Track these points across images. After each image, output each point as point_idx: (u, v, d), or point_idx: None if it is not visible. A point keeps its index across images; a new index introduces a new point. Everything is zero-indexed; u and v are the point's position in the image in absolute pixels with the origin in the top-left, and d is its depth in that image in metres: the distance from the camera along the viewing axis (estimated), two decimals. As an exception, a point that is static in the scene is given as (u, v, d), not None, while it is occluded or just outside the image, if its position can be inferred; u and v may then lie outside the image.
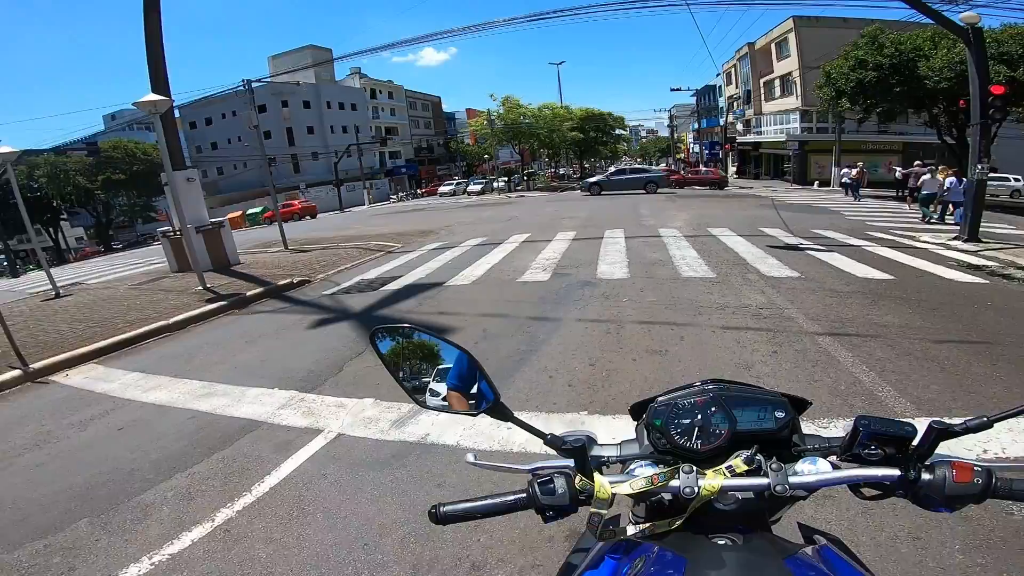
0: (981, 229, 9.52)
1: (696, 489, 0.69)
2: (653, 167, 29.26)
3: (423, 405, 0.85)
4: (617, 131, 59.24)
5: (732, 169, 43.61)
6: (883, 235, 10.27)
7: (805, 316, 4.96)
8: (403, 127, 60.89)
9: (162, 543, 2.41)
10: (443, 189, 44.78)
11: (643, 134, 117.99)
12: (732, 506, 0.71)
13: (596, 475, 0.73)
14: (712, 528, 0.70)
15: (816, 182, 31.31)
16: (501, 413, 0.80)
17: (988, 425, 0.66)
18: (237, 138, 44.78)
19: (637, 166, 30.97)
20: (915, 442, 0.69)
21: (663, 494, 0.73)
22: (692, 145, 59.19)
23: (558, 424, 3.14)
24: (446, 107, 71.93)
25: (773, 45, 37.85)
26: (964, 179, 15.74)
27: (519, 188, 40.72)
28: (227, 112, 45.21)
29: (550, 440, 0.77)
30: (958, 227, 12.23)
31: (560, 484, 0.74)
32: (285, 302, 7.61)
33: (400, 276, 8.30)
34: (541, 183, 45.23)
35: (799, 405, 0.84)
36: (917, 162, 18.18)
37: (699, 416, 0.77)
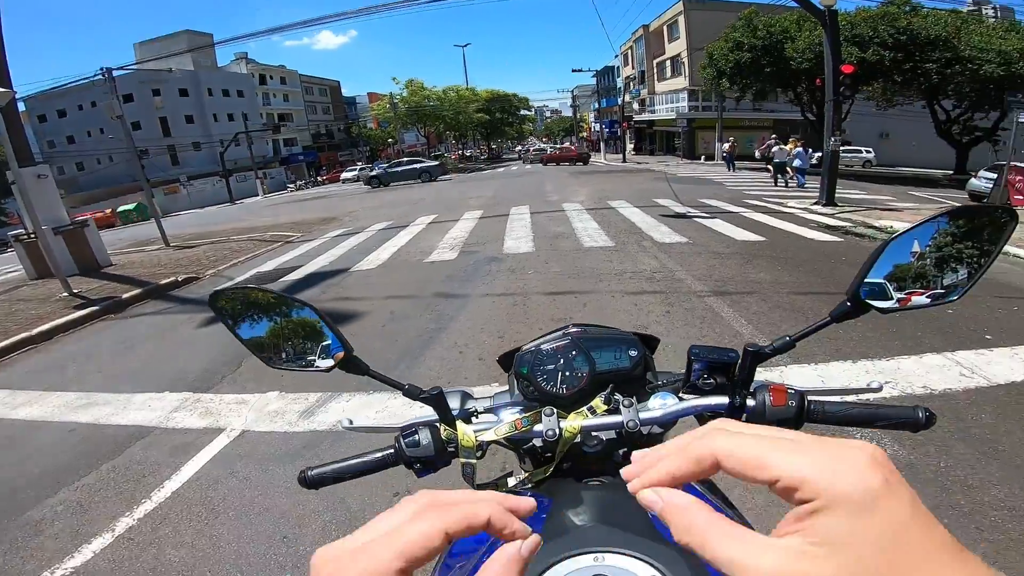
0: (837, 195, 10.76)
1: (558, 431, 0.70)
2: (427, 161, 30.89)
3: (271, 364, 0.82)
4: (522, 112, 59.74)
5: (630, 146, 45.55)
6: (757, 202, 11.36)
7: (693, 277, 5.39)
8: (299, 113, 57.25)
9: (62, 557, 2.22)
10: (346, 175, 42.57)
11: (548, 114, 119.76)
12: (598, 447, 0.73)
13: (459, 423, 0.73)
14: (588, 473, 0.72)
15: (703, 156, 33.69)
16: (356, 367, 0.77)
17: (791, 344, 0.71)
18: (99, 130, 39.42)
19: (413, 158, 31.92)
20: (737, 367, 0.73)
21: (534, 440, 0.74)
22: (594, 124, 60.86)
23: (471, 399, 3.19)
24: (346, 91, 68.48)
25: (665, 27, 39.32)
26: (808, 149, 18.20)
27: (426, 171, 39.92)
28: (84, 103, 39.91)
29: (408, 391, 0.76)
30: (802, 189, 14.31)
31: (424, 436, 0.74)
32: (170, 302, 6.96)
33: (301, 266, 7.89)
34: (448, 165, 44.73)
35: (650, 343, 0.89)
36: (772, 136, 20.19)
37: (561, 360, 0.78)
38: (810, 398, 0.71)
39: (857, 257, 6.28)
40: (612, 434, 0.73)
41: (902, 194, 14.15)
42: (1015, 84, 17.54)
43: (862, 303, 0.68)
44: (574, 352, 0.78)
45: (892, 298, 0.68)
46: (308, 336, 0.80)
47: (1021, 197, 12.00)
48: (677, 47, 37.46)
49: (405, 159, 32.58)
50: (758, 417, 0.70)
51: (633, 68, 47.86)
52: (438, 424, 0.76)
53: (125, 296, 7.09)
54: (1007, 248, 6.64)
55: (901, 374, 3.14)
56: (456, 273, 6.30)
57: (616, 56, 51.52)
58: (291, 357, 0.81)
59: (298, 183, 45.35)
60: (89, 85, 25.07)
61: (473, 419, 0.80)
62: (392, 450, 0.76)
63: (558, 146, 54.55)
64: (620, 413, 0.71)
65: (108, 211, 29.19)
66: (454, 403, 0.82)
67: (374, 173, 29.61)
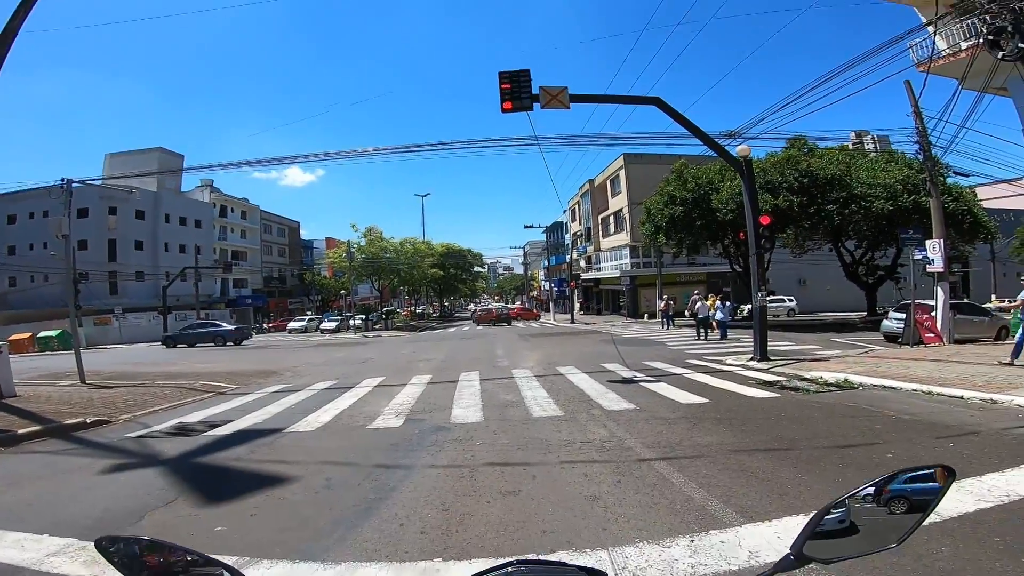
0: (769, 348, 11.40)
1: None
2: (225, 324, 31.11)
3: None
4: (476, 268, 61.98)
5: (577, 305, 47.25)
6: (698, 361, 11.93)
7: (642, 444, 5.39)
8: (254, 252, 56.01)
9: None
10: (293, 325, 41.74)
11: (500, 271, 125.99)
12: None
13: None
14: None
15: (645, 315, 34.94)
16: None
17: None
18: (43, 244, 36.14)
19: (208, 321, 32.04)
20: None
21: None
22: (543, 283, 63.56)
23: (410, 574, 2.89)
24: (305, 234, 68.56)
25: (608, 182, 42.01)
26: (727, 303, 20.08)
27: (377, 326, 39.91)
28: (37, 211, 37.53)
29: None
30: (736, 344, 15.31)
31: None
32: (72, 443, 6.26)
33: (231, 420, 7.33)
34: (400, 322, 44.95)
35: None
36: (696, 292, 22.01)
37: None
38: None
39: (795, 411, 6.64)
40: None
41: (826, 341, 15.24)
42: (904, 219, 18.97)
43: (804, 557, 0.71)
44: None
45: (835, 550, 0.72)
46: None
47: (932, 335, 13.12)
48: (619, 202, 39.32)
49: (200, 321, 31.97)
50: None
51: (580, 224, 50.56)
52: None
53: (21, 431, 6.39)
54: (929, 388, 7.17)
55: None
56: (401, 442, 6.01)
57: (564, 212, 54.66)
58: None
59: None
60: (46, 193, 23.86)
61: None
62: None
63: (511, 305, 56.93)
64: None
65: (27, 335, 26.95)
66: None
67: (170, 334, 28.96)
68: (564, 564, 0.86)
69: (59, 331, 27.92)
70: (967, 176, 18.17)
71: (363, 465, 5.13)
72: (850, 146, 26.85)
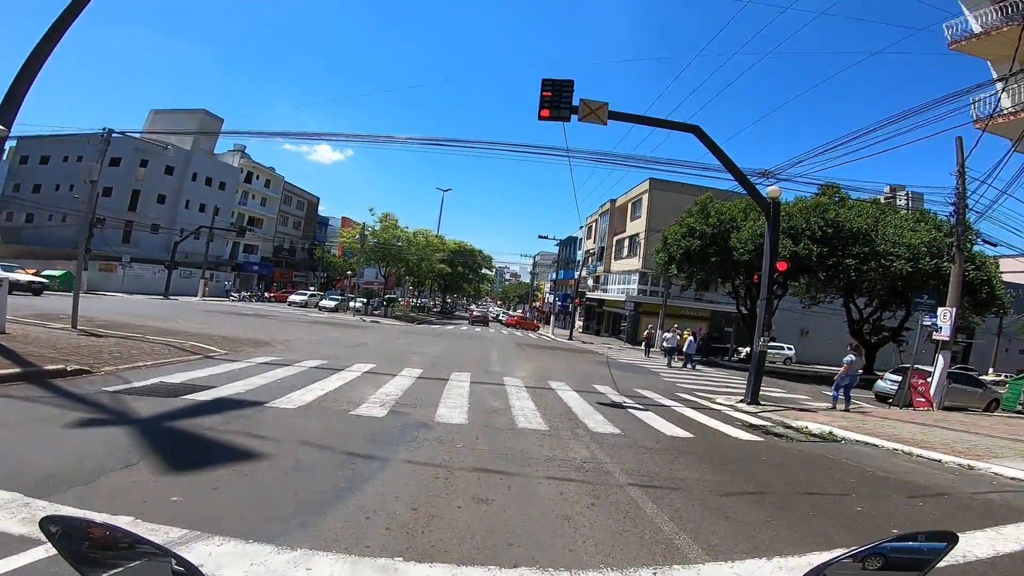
0: (761, 393, 11.35)
1: None
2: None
3: None
4: (484, 270, 62.07)
5: (579, 323, 47.17)
6: (689, 396, 11.83)
7: (621, 470, 5.29)
8: (270, 221, 56.40)
9: None
10: (294, 298, 41.72)
11: (507, 276, 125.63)
12: None
13: None
14: None
15: (643, 343, 34.94)
16: None
17: None
18: (69, 187, 36.19)
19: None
20: None
21: None
22: (548, 295, 63.63)
23: (368, 569, 2.80)
24: (323, 210, 68.41)
25: (630, 204, 41.76)
26: (698, 338, 21.12)
27: (376, 312, 39.85)
28: (71, 155, 37.87)
29: None
30: (697, 374, 15.53)
31: None
32: (47, 391, 6.13)
33: (213, 387, 7.23)
34: (399, 311, 44.94)
35: None
36: (675, 326, 23.26)
37: None
38: None
39: (775, 457, 6.62)
40: None
41: (816, 393, 15.12)
42: (921, 282, 18.76)
43: None
44: None
45: None
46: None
47: (923, 400, 13.02)
48: (637, 226, 39.14)
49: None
50: None
51: (595, 242, 50.65)
52: None
53: None
54: (910, 449, 7.12)
55: None
56: (380, 433, 5.92)
57: (581, 227, 54.95)
58: None
59: (241, 293, 43.81)
60: (85, 139, 24.05)
61: None
62: None
63: (512, 313, 56.93)
64: None
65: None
66: None
67: None
68: None
69: (63, 272, 27.97)
70: (995, 245, 17.97)
71: (339, 451, 5.04)
72: (883, 200, 26.58)
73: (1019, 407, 14.94)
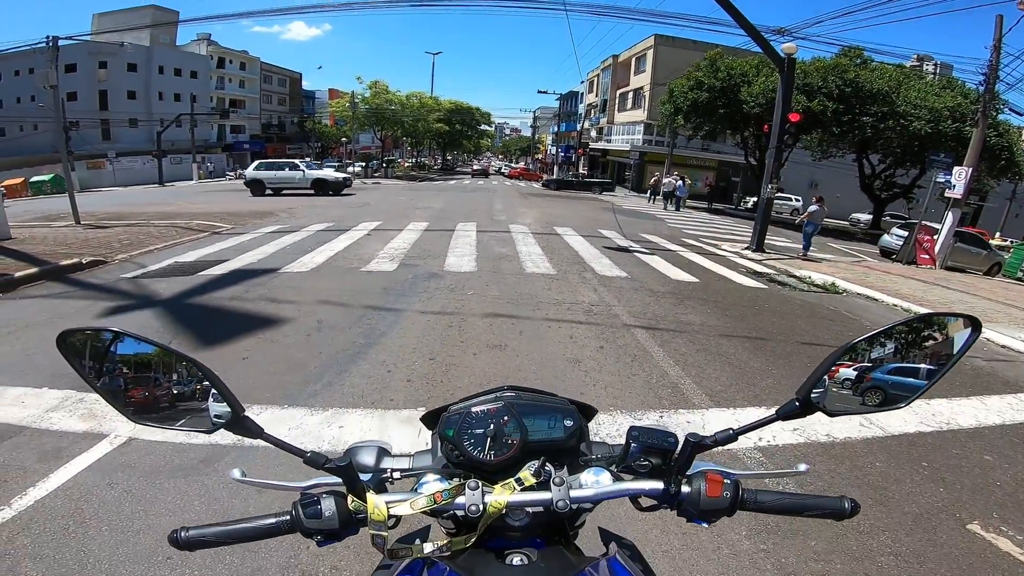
0: (766, 241, 11.43)
1: (481, 507, 0.66)
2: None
3: (136, 419, 0.70)
4: (483, 126, 59.81)
5: (583, 172, 46.53)
6: (694, 242, 11.90)
7: (628, 313, 5.49)
8: (252, 101, 54.42)
9: None
10: (290, 169, 40.96)
11: (507, 132, 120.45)
12: (524, 520, 0.70)
13: (370, 495, 0.67)
14: (510, 542, 0.69)
15: (649, 190, 34.88)
16: (245, 428, 0.70)
17: (733, 438, 0.71)
18: (31, 97, 35.74)
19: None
20: (676, 454, 0.72)
21: (455, 511, 0.69)
22: (550, 147, 61.85)
23: (394, 420, 3.04)
24: (307, 85, 65.69)
25: (634, 59, 39.83)
26: (686, 180, 23.27)
27: (376, 174, 39.18)
28: (22, 69, 36.48)
29: (310, 458, 0.68)
30: (677, 212, 18.02)
31: (328, 506, 0.67)
32: (68, 285, 6.27)
33: (226, 260, 7.36)
34: (400, 171, 44.11)
35: (587, 412, 0.85)
36: (675, 173, 24.48)
37: (491, 425, 0.73)
38: (744, 486, 0.71)
39: (778, 305, 6.68)
40: (539, 507, 0.69)
41: (822, 245, 15.25)
42: (939, 143, 18.49)
43: (811, 405, 0.68)
44: (506, 418, 0.74)
45: (845, 402, 0.69)
46: (187, 392, 0.71)
47: (927, 256, 13.27)
48: (641, 80, 37.84)
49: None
50: (692, 505, 0.70)
51: (597, 96, 48.75)
52: (345, 494, 0.69)
53: (18, 275, 6.30)
54: (908, 305, 7.29)
55: (807, 423, 3.30)
56: (393, 286, 6.09)
57: (582, 82, 52.41)
58: (164, 414, 0.71)
59: (239, 171, 43.03)
60: (31, 52, 22.54)
61: (388, 485, 0.75)
62: (288, 517, 0.68)
63: (515, 165, 55.61)
64: (550, 488, 0.68)
65: (20, 180, 26.53)
66: (368, 459, 0.76)
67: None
68: (555, 395, 0.83)
69: (51, 175, 27.24)
70: (1022, 115, 17.03)
71: (355, 307, 5.25)
72: (908, 66, 24.78)
73: (1020, 274, 14.93)
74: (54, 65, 12.77)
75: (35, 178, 27.47)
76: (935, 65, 30.51)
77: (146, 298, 5.63)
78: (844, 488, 2.60)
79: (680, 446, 0.72)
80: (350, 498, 0.68)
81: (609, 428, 3.05)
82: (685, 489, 0.70)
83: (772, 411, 0.70)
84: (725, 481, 0.70)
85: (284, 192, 20.53)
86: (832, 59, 21.19)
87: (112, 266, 7.22)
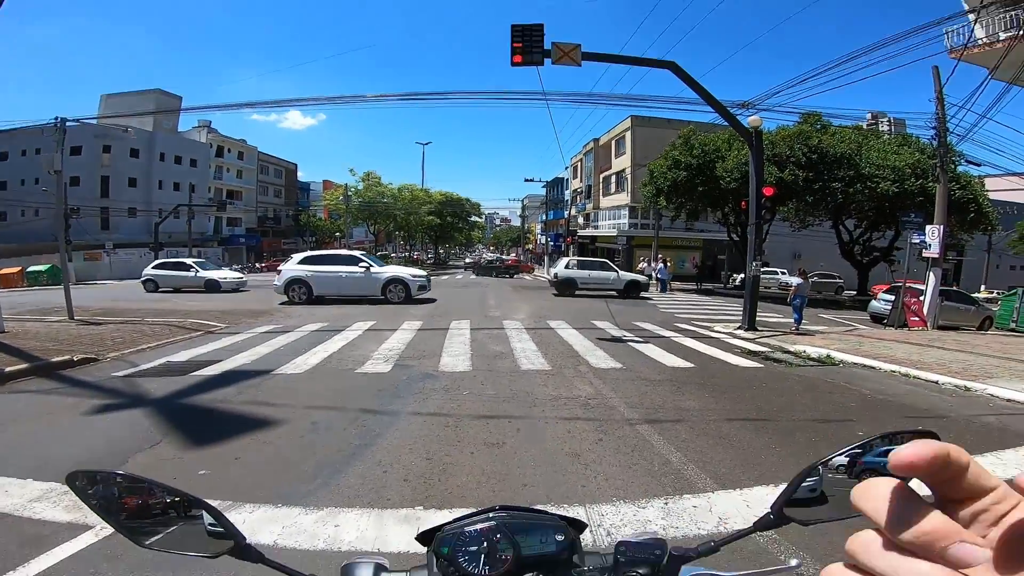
0: (757, 319, 11.54)
1: None
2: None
3: (143, 544, 0.73)
4: (473, 218, 61.78)
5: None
6: (686, 326, 12.05)
7: (626, 404, 5.47)
8: (249, 192, 55.78)
9: None
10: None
11: (497, 222, 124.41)
12: None
13: None
14: None
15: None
16: (248, 555, 0.74)
17: (715, 549, 0.76)
18: (35, 180, 36.14)
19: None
20: (663, 564, 0.76)
21: None
22: (540, 236, 63.60)
23: (391, 520, 2.95)
24: (302, 176, 68.34)
25: (614, 142, 41.83)
26: (666, 263, 24.37)
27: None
28: (29, 148, 37.25)
29: None
30: (663, 293, 18.96)
31: None
32: (59, 382, 6.24)
33: (219, 360, 7.34)
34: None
35: (577, 526, 0.89)
36: (660, 256, 26.27)
37: (485, 543, 0.77)
38: None
39: (775, 383, 6.74)
40: None
41: (813, 317, 15.47)
42: (907, 200, 19.27)
43: (785, 517, 0.71)
44: (498, 536, 0.78)
45: (811, 514, 0.71)
46: (191, 524, 0.76)
47: (917, 318, 13.39)
48: (623, 162, 39.42)
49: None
50: None
51: (581, 181, 50.63)
52: None
53: (8, 369, 6.33)
54: (906, 370, 7.30)
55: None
56: (388, 387, 6.06)
57: (566, 168, 54.79)
58: (169, 542, 0.74)
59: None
60: (39, 131, 23.68)
61: None
62: None
63: (505, 257, 57.17)
64: None
65: (17, 270, 26.75)
66: (365, 574, 0.79)
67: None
68: (546, 512, 0.86)
69: (48, 266, 27.64)
70: (979, 165, 18.31)
71: (349, 409, 5.19)
72: (865, 126, 26.70)
73: (1012, 325, 15.16)
74: (60, 148, 13.37)
75: (32, 268, 27.75)
76: (889, 122, 32.42)
77: (137, 397, 5.58)
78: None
79: (666, 559, 0.76)
80: None
81: (614, 519, 2.98)
82: None
83: (750, 524, 0.74)
84: None
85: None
86: (795, 127, 22.32)
87: (103, 364, 7.18)
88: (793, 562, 0.77)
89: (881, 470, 0.74)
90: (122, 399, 5.52)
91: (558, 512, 0.87)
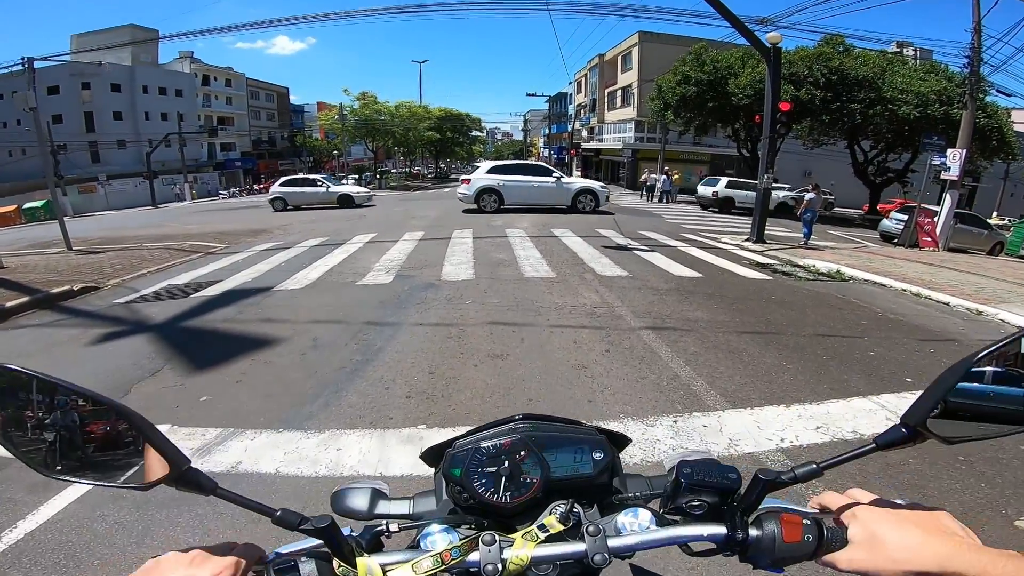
0: (766, 232, 11.31)
1: (500, 567, 0.56)
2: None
3: (54, 475, 0.54)
4: (474, 132, 60.00)
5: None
6: (693, 236, 11.74)
7: (632, 314, 5.34)
8: (240, 117, 54.66)
9: None
10: (284, 186, 40.97)
11: (499, 136, 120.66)
12: (550, 574, 0.59)
13: (361, 558, 0.56)
14: None
15: (642, 188, 34.94)
16: (194, 484, 0.55)
17: (818, 472, 0.58)
18: (16, 121, 34.47)
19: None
20: (741, 491, 0.60)
21: (466, 568, 0.58)
22: (543, 149, 61.98)
23: (394, 440, 2.89)
24: (295, 99, 66.55)
25: (620, 57, 40.13)
26: (668, 175, 24.08)
27: (371, 186, 39.17)
28: (6, 92, 35.24)
29: (279, 517, 0.55)
30: (665, 205, 18.41)
31: (308, 571, 0.55)
32: (60, 313, 6.16)
33: (219, 280, 7.23)
34: (394, 181, 44.09)
35: (619, 441, 0.72)
36: (666, 169, 25.49)
37: (506, 463, 0.62)
38: (827, 525, 0.56)
39: (785, 296, 6.52)
40: (569, 559, 0.58)
41: (821, 233, 15.13)
42: (928, 126, 18.56)
43: (921, 432, 0.54)
44: (523, 453, 0.63)
45: (958, 429, 0.55)
46: (118, 441, 0.55)
47: (929, 239, 13.19)
48: (629, 77, 38.02)
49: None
50: (766, 553, 0.56)
51: (586, 96, 48.92)
52: (330, 558, 0.56)
53: (9, 304, 6.23)
54: (918, 290, 7.12)
55: (831, 418, 3.21)
56: (389, 299, 5.95)
57: (570, 83, 52.72)
58: (88, 467, 0.55)
59: (232, 190, 43.12)
60: (10, 75, 22.61)
61: (383, 538, 0.63)
62: None
63: None
64: (580, 535, 0.58)
65: (13, 207, 26.45)
66: (359, 503, 0.64)
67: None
68: (580, 423, 0.71)
69: (44, 201, 27.06)
70: (1009, 96, 17.16)
71: (350, 323, 5.11)
72: (890, 53, 25.15)
73: (1022, 251, 14.94)
74: (32, 86, 12.73)
75: (28, 204, 27.42)
76: (915, 51, 30.73)
77: (139, 323, 5.51)
78: (879, 487, 2.46)
79: (747, 485, 0.59)
80: (336, 562, 0.56)
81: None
82: (754, 533, 0.57)
83: (870, 440, 0.57)
84: (805, 522, 0.56)
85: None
86: (815, 48, 21.34)
87: (104, 291, 7.10)
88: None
89: None
90: (123, 326, 5.45)
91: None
